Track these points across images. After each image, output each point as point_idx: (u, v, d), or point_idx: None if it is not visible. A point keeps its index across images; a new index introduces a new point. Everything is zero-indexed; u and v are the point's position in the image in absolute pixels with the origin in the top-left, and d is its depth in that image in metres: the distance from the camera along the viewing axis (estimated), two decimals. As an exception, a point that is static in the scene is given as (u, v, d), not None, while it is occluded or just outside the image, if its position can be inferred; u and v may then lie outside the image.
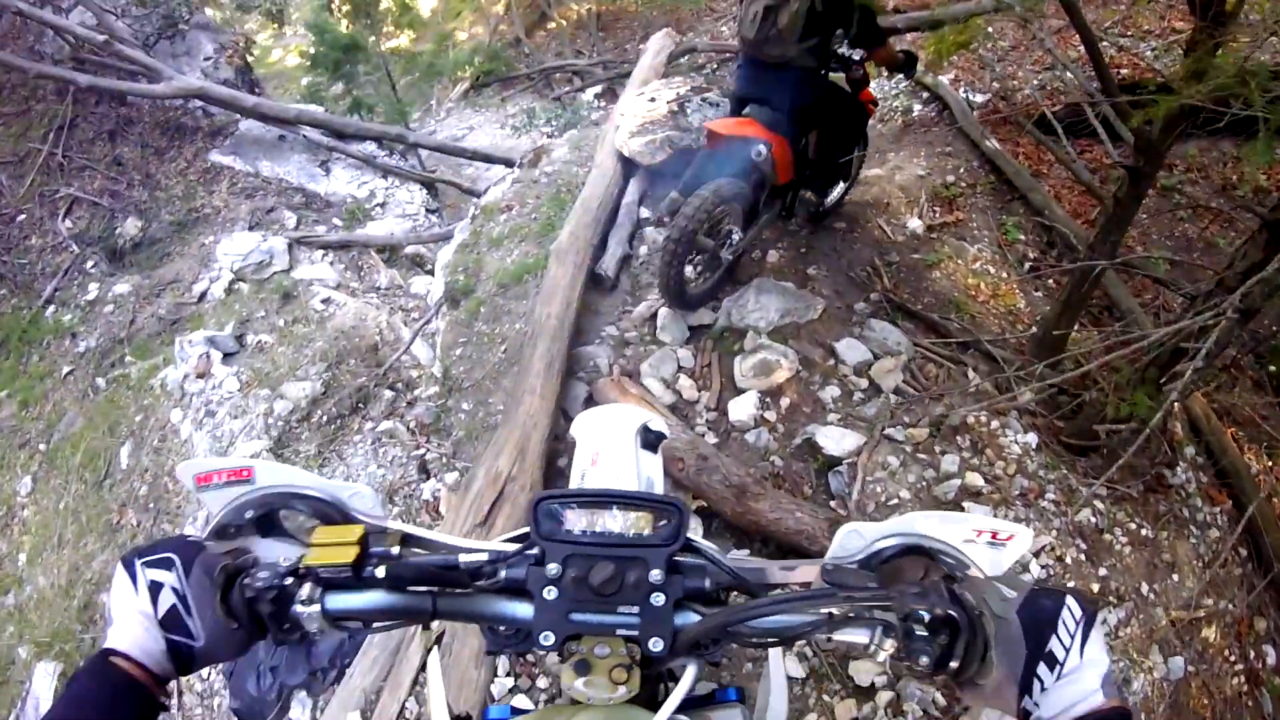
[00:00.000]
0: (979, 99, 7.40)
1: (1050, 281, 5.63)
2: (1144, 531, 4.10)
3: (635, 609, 0.94)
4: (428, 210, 8.41)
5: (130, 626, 0.88)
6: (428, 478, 4.45)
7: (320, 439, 4.80)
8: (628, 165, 5.76)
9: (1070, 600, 0.86)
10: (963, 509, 3.78)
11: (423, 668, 3.25)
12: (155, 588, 0.90)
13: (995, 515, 3.79)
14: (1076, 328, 4.64)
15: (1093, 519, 4.04)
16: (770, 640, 0.97)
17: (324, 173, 8.29)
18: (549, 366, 4.19)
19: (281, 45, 17.96)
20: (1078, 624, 0.84)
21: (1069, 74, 7.37)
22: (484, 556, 1.00)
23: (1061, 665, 0.83)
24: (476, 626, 1.03)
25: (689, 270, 4.33)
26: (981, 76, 7.81)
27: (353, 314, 5.78)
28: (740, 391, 4.30)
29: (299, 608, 0.93)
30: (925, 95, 7.73)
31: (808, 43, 4.14)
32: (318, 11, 10.59)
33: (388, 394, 5.06)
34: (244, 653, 0.95)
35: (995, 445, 4.17)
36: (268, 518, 1.05)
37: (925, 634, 0.87)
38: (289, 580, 0.94)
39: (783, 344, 4.39)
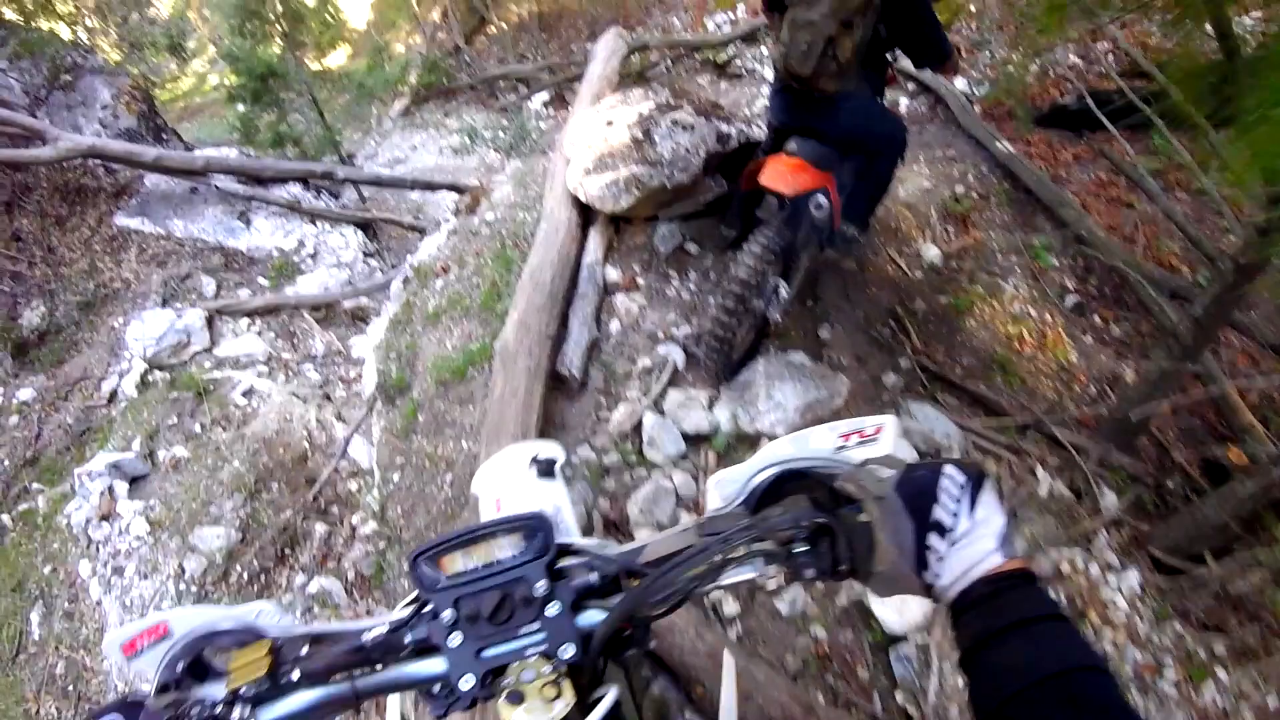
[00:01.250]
0: (977, 91, 6.56)
1: (1097, 317, 4.80)
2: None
3: (535, 625, 0.96)
4: (365, 254, 7.53)
5: None
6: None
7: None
8: (585, 211, 4.74)
9: (948, 467, 0.89)
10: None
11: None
12: None
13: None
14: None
15: (1218, 698, 3.18)
16: (672, 606, 0.94)
17: (244, 225, 7.35)
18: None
19: (199, 72, 16.95)
20: (962, 488, 0.87)
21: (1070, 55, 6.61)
22: (385, 629, 1.01)
23: (952, 530, 0.86)
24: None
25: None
26: (973, 63, 6.94)
27: (277, 413, 4.97)
28: (759, 535, 3.39)
29: None
30: (912, 86, 6.87)
31: (868, 70, 3.51)
32: (230, 34, 9.60)
33: (320, 529, 4.22)
34: None
35: (1098, 602, 3.35)
36: (198, 662, 1.04)
37: (806, 549, 0.91)
38: (219, 709, 0.95)
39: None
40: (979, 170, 5.60)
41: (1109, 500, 3.68)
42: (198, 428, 5.09)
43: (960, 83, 6.69)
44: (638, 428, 3.80)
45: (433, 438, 4.17)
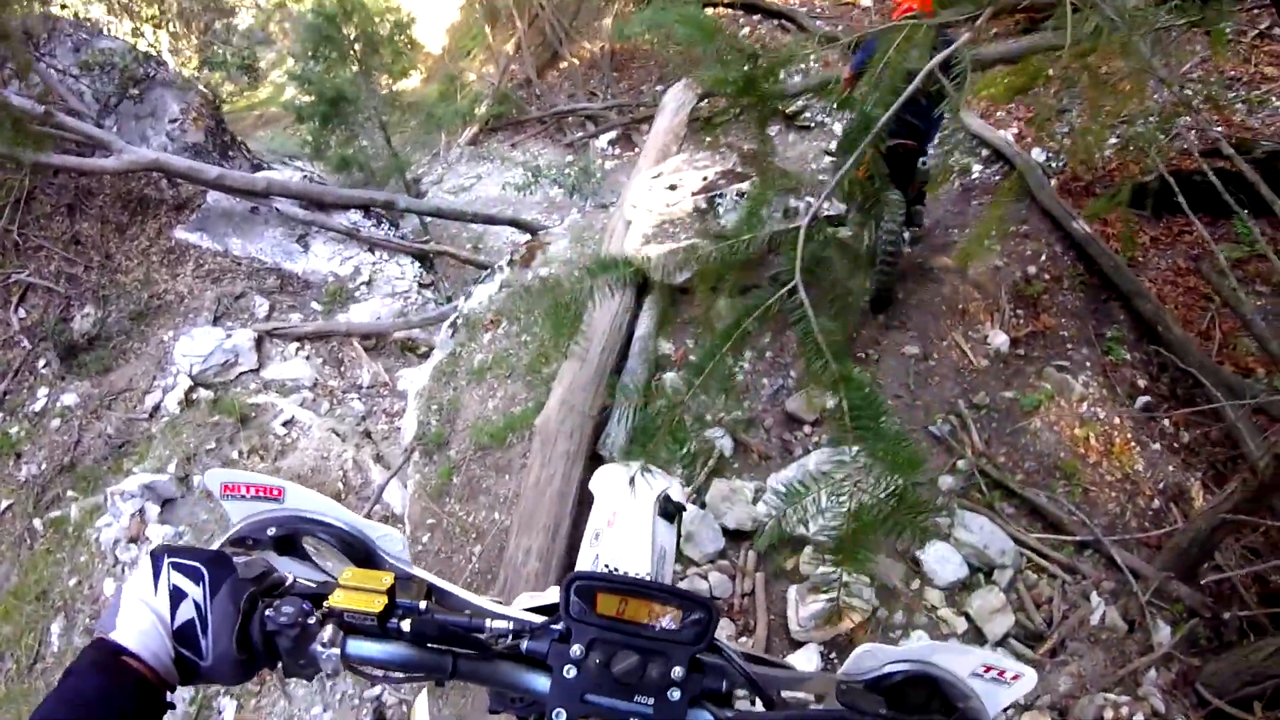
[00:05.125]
0: (1052, 160, 6.34)
1: (1168, 421, 4.57)
2: None
3: (651, 700, 0.94)
4: (421, 285, 7.52)
5: (141, 625, 0.87)
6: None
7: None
8: (642, 279, 4.61)
9: None
10: None
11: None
12: (178, 595, 0.90)
13: None
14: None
15: None
16: None
17: (302, 249, 7.41)
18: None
19: (277, 82, 17.21)
20: None
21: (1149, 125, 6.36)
22: (508, 625, 0.99)
23: None
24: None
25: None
26: (1050, 130, 6.72)
27: (316, 448, 4.97)
28: (796, 645, 3.25)
29: (319, 648, 0.92)
30: (985, 153, 6.64)
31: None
32: (303, 54, 9.69)
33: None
34: (246, 680, 0.95)
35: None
36: (289, 539, 1.04)
37: None
38: (312, 619, 0.92)
39: (855, 560, 3.31)
40: (1053, 250, 5.36)
41: (1162, 634, 3.44)
42: (235, 454, 5.10)
43: (1036, 153, 6.48)
44: (677, 520, 3.63)
45: (466, 503, 4.08)
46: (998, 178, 6.39)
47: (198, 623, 0.89)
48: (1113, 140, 6.21)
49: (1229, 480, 4.25)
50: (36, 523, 5.32)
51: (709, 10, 10.45)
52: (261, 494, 1.01)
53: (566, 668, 0.94)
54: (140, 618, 0.87)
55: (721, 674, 0.97)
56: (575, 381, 3.97)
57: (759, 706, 0.98)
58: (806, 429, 4.16)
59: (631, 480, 1.53)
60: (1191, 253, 5.33)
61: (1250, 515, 3.35)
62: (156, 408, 5.82)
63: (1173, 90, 5.13)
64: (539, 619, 1.00)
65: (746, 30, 10.20)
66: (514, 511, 3.66)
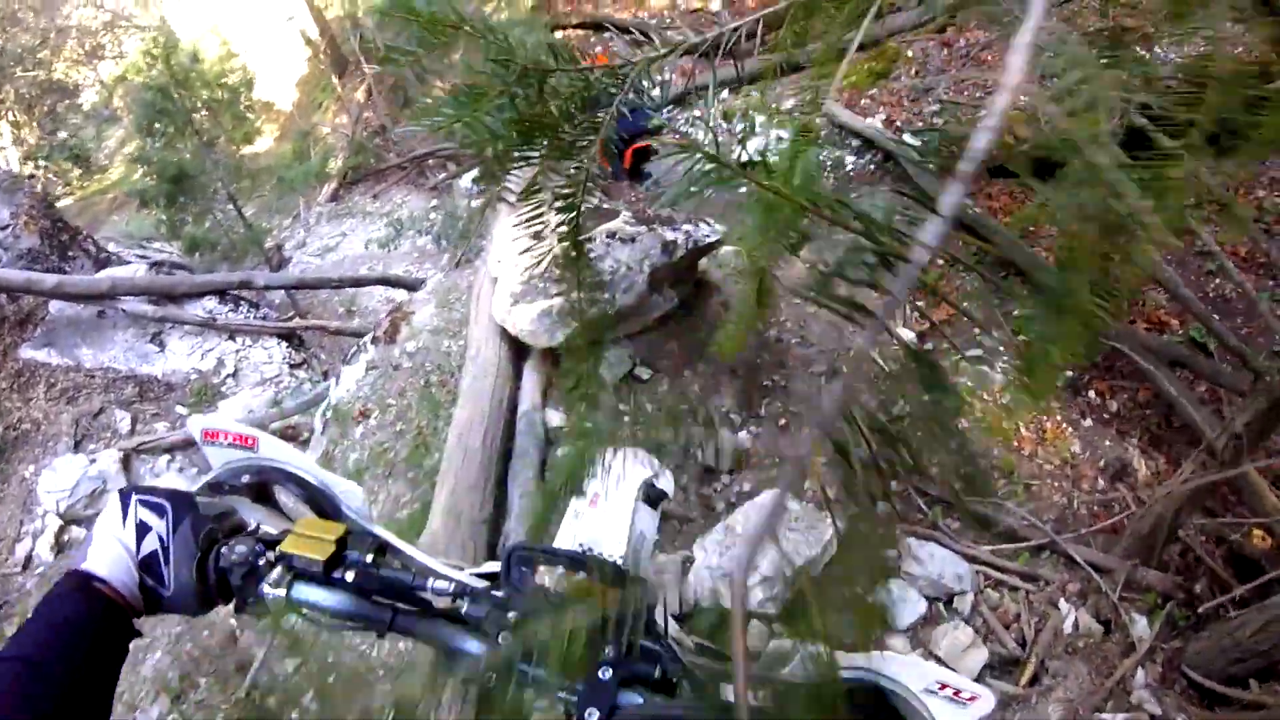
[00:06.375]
0: (928, 142, 6.17)
1: (1093, 393, 4.41)
2: None
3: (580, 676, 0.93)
4: (291, 366, 6.95)
5: (109, 555, 0.93)
6: None
7: None
8: (517, 347, 4.17)
9: None
10: None
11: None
12: (142, 529, 0.96)
13: None
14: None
15: None
16: None
17: (158, 349, 6.78)
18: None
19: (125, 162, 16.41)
20: None
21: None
22: (450, 585, 1.00)
23: None
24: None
25: None
26: (918, 112, 6.57)
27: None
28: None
29: (266, 588, 0.97)
30: (856, 143, 6.47)
31: None
32: (139, 131, 9.04)
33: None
34: (204, 613, 1.00)
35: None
36: (261, 487, 1.11)
37: None
38: (262, 561, 0.98)
39: (808, 629, 2.98)
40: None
41: (1139, 627, 3.24)
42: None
43: (907, 137, 6.31)
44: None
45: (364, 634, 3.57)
46: (872, 167, 6.21)
47: (160, 554, 0.94)
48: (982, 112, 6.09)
49: (1164, 442, 4.24)
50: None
51: (559, 33, 10.25)
52: (238, 442, 1.06)
53: (501, 634, 0.95)
54: (109, 548, 0.93)
55: (656, 660, 0.95)
56: (459, 483, 3.48)
57: None
58: (724, 479, 3.84)
59: (614, 465, 1.42)
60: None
61: (1210, 495, 3.25)
62: (29, 558, 5.36)
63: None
64: (481, 584, 1.01)
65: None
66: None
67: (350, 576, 0.97)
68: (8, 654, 0.81)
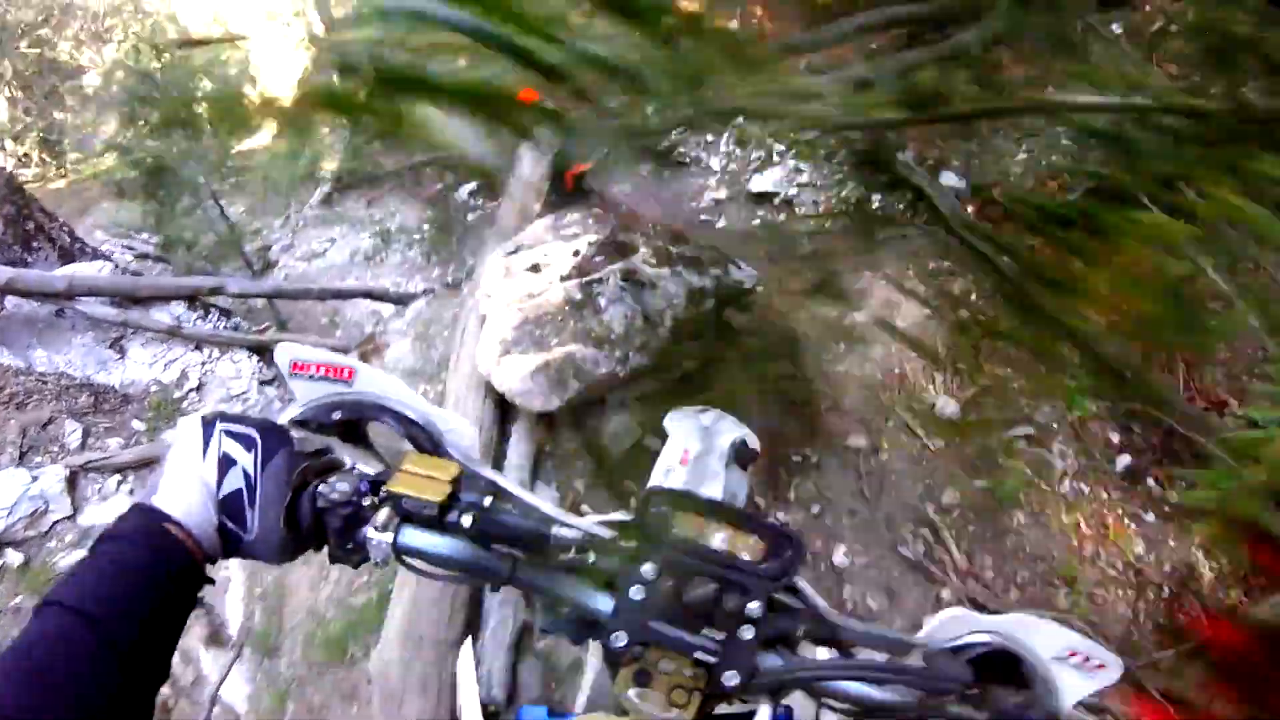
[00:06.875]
0: (964, 181, 5.69)
1: (1152, 480, 3.94)
2: None
3: (721, 635, 0.89)
4: (262, 383, 6.43)
5: (187, 493, 0.86)
6: None
7: None
8: (504, 404, 3.54)
9: None
10: None
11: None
12: (226, 462, 0.89)
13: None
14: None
15: None
16: (848, 708, 0.89)
17: (117, 355, 6.27)
18: None
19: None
20: None
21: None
22: (577, 534, 0.94)
23: None
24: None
25: None
26: (955, 152, 6.07)
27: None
28: None
29: (370, 532, 0.91)
30: (883, 178, 5.96)
31: None
32: (121, 118, 8.64)
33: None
34: (288, 560, 0.93)
35: None
36: (354, 425, 1.02)
37: None
38: (367, 501, 0.92)
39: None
40: (981, 285, 4.70)
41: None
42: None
43: (948, 176, 5.83)
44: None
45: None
46: (902, 207, 5.75)
47: (245, 493, 0.88)
48: (1021, 155, 5.72)
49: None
50: None
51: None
52: (330, 374, 0.98)
53: (634, 588, 0.89)
54: (186, 485, 0.86)
55: (797, 619, 0.91)
56: (420, 597, 2.82)
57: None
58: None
59: (705, 423, 1.39)
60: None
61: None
62: (-35, 584, 4.82)
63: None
64: (610, 533, 0.94)
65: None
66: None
67: (468, 521, 0.89)
68: (68, 601, 0.73)
